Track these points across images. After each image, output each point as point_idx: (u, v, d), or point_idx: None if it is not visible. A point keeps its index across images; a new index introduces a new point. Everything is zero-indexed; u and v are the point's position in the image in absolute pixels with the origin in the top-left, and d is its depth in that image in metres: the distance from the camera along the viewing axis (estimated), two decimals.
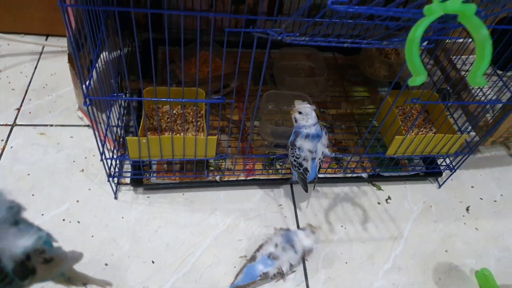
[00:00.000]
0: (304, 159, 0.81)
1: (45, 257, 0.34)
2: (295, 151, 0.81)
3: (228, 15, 0.59)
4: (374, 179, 1.04)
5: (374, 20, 0.58)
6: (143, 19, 1.21)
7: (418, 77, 0.45)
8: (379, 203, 1.01)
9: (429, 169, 1.04)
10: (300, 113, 0.80)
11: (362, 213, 0.98)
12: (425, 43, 0.70)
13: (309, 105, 0.80)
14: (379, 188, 1.04)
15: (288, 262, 0.78)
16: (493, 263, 0.94)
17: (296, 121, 0.81)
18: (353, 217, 0.97)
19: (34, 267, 0.34)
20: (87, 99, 0.64)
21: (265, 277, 0.77)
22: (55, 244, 0.40)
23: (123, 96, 0.65)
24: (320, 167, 0.84)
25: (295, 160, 0.82)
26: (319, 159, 0.83)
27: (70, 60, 0.84)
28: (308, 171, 0.82)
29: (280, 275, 0.78)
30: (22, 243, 0.32)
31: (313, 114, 0.80)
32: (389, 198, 1.02)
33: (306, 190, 0.87)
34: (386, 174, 1.03)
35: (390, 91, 0.84)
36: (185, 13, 0.58)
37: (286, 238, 0.79)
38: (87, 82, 0.67)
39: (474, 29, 0.47)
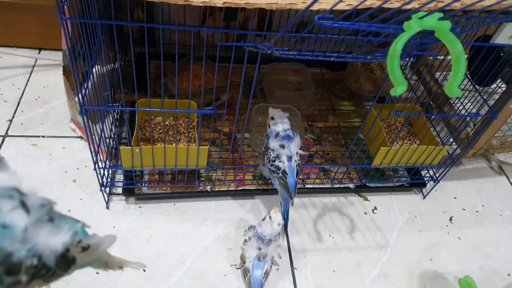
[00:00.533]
0: (279, 160, 0.81)
1: (83, 245, 0.36)
2: (270, 154, 0.83)
3: (221, 30, 0.62)
4: (361, 189, 1.07)
5: (358, 36, 0.61)
6: (136, 33, 1.24)
7: (399, 87, 0.48)
8: (365, 213, 1.04)
9: (414, 180, 1.08)
10: (272, 118, 0.82)
11: (349, 223, 1.01)
12: (408, 59, 0.74)
13: (282, 112, 0.83)
14: (366, 199, 1.07)
15: (275, 250, 0.80)
16: (475, 271, 0.97)
17: (269, 126, 0.83)
18: (341, 227, 1.00)
19: (73, 256, 0.36)
20: (83, 109, 0.66)
21: (266, 275, 0.79)
22: (89, 231, 0.42)
23: (118, 106, 0.67)
24: (298, 173, 0.84)
25: (272, 165, 0.83)
26: (295, 161, 0.83)
27: (65, 72, 0.86)
28: (287, 174, 0.82)
29: (273, 263, 0.81)
30: (60, 238, 0.34)
31: (286, 120, 0.82)
32: (375, 208, 1.05)
33: (291, 197, 0.84)
34: (372, 184, 1.06)
35: (375, 104, 0.88)
36: (180, 27, 0.60)
37: (259, 236, 0.79)
38: (83, 92, 0.69)
39: (449, 44, 0.50)
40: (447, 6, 0.51)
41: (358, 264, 0.93)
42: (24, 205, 0.33)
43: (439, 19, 0.49)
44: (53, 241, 0.32)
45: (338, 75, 1.36)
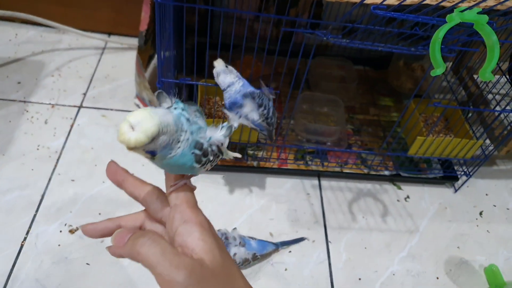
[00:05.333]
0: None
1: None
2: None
3: (284, 18, 0.71)
4: (395, 178, 1.14)
5: (404, 28, 0.70)
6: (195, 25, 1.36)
7: (438, 68, 0.56)
8: (398, 200, 1.11)
9: (446, 173, 1.14)
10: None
11: (382, 208, 1.08)
12: (448, 53, 0.81)
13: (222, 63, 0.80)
14: (399, 188, 1.14)
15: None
16: (501, 262, 1.02)
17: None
18: (374, 210, 1.07)
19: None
20: (160, 80, 0.78)
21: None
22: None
23: (190, 80, 0.78)
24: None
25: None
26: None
27: (139, 52, 0.98)
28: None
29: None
30: (222, 132, 0.41)
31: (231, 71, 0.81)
32: (407, 197, 1.12)
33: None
34: (406, 174, 1.13)
35: (413, 99, 0.95)
36: (237, 11, 0.71)
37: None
38: (160, 68, 0.80)
39: (486, 35, 0.58)
40: (479, 4, 0.59)
41: (388, 245, 1.01)
42: (198, 112, 0.40)
43: (478, 13, 0.57)
44: (218, 135, 0.42)
45: (380, 73, 1.43)
